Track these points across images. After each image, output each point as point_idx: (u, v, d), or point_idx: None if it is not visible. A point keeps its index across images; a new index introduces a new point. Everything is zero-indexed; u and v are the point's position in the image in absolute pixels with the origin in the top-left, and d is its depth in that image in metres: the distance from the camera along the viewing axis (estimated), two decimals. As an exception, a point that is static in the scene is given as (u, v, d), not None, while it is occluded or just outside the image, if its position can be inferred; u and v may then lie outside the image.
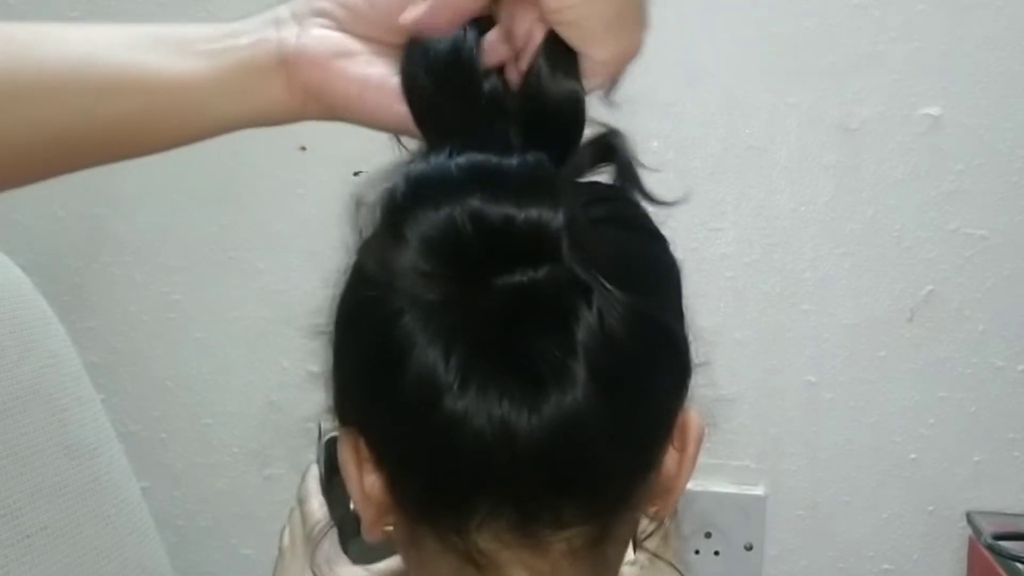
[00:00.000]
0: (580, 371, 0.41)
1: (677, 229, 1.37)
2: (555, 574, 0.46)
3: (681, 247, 1.37)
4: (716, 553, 1.22)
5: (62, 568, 0.81)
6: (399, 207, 0.44)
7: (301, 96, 0.49)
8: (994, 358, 1.18)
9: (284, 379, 1.24)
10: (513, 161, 0.44)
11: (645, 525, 0.54)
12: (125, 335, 1.29)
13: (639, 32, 0.46)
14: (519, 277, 0.42)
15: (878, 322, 1.19)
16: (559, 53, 0.46)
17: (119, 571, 0.86)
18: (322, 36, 0.48)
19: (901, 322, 1.18)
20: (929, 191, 1.16)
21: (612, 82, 0.49)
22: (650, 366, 0.45)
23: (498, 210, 0.42)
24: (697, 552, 1.22)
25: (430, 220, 0.42)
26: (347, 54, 0.49)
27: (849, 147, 1.17)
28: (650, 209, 0.51)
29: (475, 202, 0.42)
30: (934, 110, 1.15)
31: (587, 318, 0.42)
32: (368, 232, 0.46)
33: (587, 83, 0.46)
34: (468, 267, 0.42)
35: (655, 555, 0.59)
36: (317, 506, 0.67)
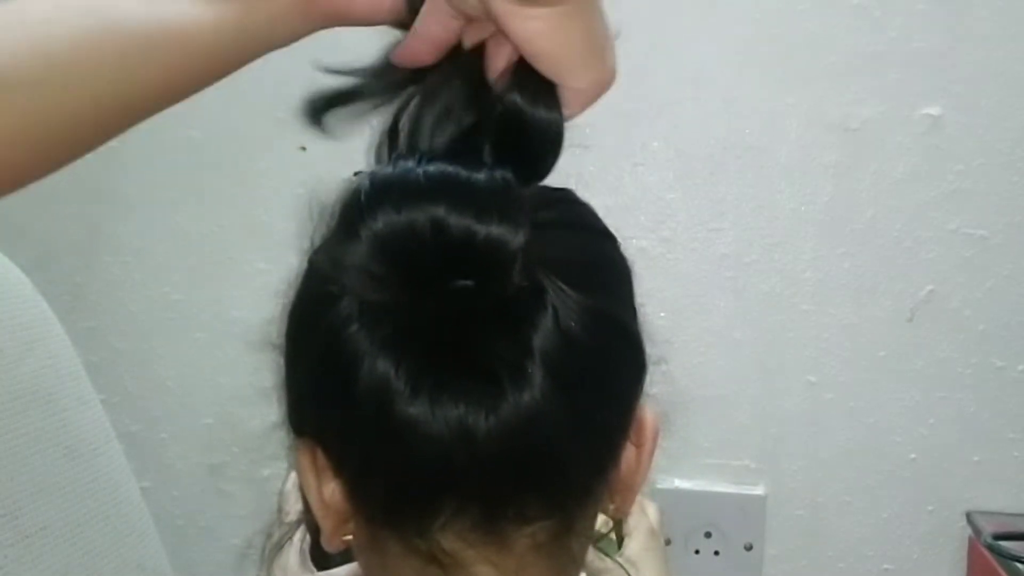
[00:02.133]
0: (536, 370, 0.42)
1: (677, 229, 1.37)
2: (521, 570, 0.46)
3: (681, 247, 1.37)
4: (716, 553, 1.22)
5: (62, 568, 0.80)
6: (360, 206, 0.43)
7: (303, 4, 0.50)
8: (994, 358, 1.18)
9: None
10: (481, 176, 0.44)
11: (602, 523, 0.54)
12: (125, 335, 1.29)
13: (610, 60, 0.47)
14: (470, 281, 0.42)
15: (878, 322, 1.19)
16: (539, 83, 0.46)
17: (118, 571, 0.86)
18: None
19: (901, 322, 1.18)
20: (929, 191, 1.16)
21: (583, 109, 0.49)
22: (607, 362, 0.46)
23: (460, 223, 0.42)
24: (697, 552, 1.22)
25: (389, 222, 0.42)
26: None
27: (849, 147, 1.17)
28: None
29: (439, 211, 0.42)
30: (934, 110, 1.15)
31: (542, 318, 0.42)
32: (324, 233, 0.46)
33: (566, 112, 0.47)
34: (418, 275, 0.42)
35: (606, 554, 0.59)
36: (290, 513, 0.67)
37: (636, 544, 0.65)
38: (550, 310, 0.42)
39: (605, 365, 0.46)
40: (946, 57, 1.14)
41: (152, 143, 1.23)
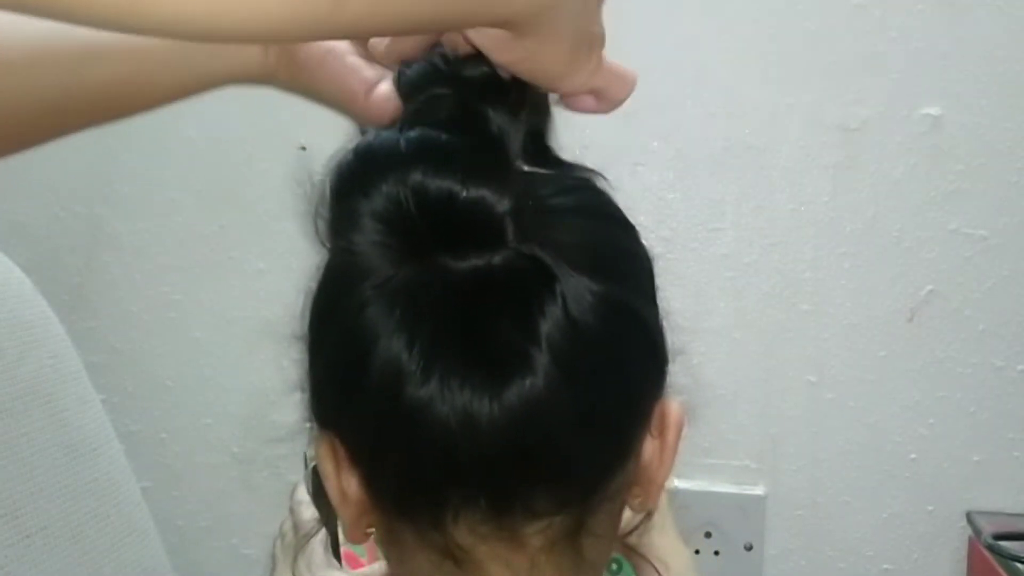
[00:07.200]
0: (541, 356, 0.41)
1: (677, 229, 1.37)
2: (533, 569, 0.46)
3: (681, 247, 1.37)
4: (716, 553, 1.22)
5: (62, 568, 0.80)
6: (346, 181, 0.44)
7: (275, 60, 0.52)
8: (994, 358, 1.18)
9: (284, 379, 1.24)
10: (463, 139, 0.44)
11: (630, 517, 0.53)
12: (125, 335, 1.29)
13: (595, 59, 0.47)
14: (477, 261, 0.42)
15: (878, 322, 1.19)
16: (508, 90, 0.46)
17: (119, 571, 0.86)
18: None
19: (901, 322, 1.18)
20: (929, 191, 1.16)
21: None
22: (618, 353, 0.45)
23: (440, 185, 0.42)
24: (697, 552, 1.22)
25: (376, 193, 0.42)
26: (333, 49, 0.52)
27: (849, 147, 1.17)
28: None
29: (417, 176, 0.42)
30: (934, 110, 1.15)
31: (550, 304, 0.42)
32: (323, 213, 0.47)
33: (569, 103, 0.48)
34: (415, 241, 0.42)
35: (638, 553, 0.59)
36: (308, 514, 0.67)
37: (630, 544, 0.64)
38: (559, 296, 0.42)
39: (616, 356, 0.45)
40: (946, 57, 1.14)
41: (152, 143, 1.23)
